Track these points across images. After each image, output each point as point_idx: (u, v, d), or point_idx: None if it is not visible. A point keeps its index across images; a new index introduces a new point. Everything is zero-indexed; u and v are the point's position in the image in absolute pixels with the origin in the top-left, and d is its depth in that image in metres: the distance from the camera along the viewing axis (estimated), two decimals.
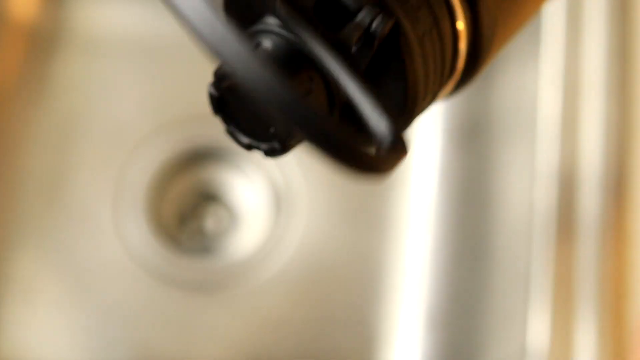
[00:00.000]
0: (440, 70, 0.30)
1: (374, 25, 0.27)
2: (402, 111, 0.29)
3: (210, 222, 0.68)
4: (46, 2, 0.69)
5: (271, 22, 0.27)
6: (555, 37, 0.56)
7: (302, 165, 0.67)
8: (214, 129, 0.68)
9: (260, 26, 0.28)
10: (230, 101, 0.29)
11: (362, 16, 0.27)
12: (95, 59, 0.69)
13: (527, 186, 0.56)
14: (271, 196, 0.67)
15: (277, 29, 0.27)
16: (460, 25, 0.30)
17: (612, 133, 0.54)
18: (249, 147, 0.29)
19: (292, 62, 0.27)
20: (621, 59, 0.55)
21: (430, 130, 0.69)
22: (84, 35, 0.69)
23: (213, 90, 0.29)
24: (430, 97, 0.31)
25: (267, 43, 0.27)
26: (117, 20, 0.70)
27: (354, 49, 0.28)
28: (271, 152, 0.29)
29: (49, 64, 0.68)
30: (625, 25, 0.56)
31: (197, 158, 0.68)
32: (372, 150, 0.26)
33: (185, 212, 0.68)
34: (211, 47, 0.22)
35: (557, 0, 0.56)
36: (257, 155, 0.68)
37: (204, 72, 0.71)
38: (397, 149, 0.26)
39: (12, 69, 0.67)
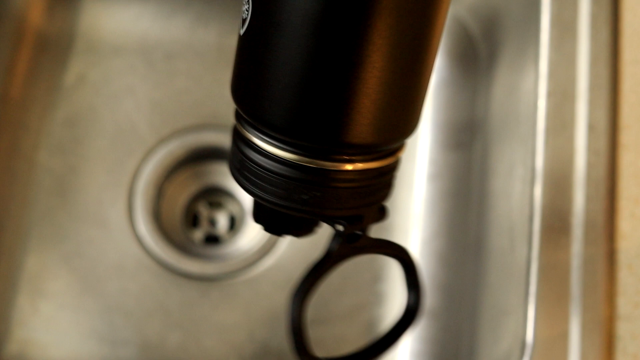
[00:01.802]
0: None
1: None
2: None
3: (214, 219, 0.69)
4: (56, 6, 0.69)
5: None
6: (554, 39, 0.56)
7: None
8: (222, 133, 0.68)
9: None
10: None
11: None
12: (106, 63, 0.69)
13: (524, 184, 0.56)
14: None
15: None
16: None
17: (609, 134, 0.54)
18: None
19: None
20: (616, 61, 0.55)
21: (427, 130, 0.69)
22: (95, 39, 0.69)
23: None
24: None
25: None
26: (127, 25, 0.70)
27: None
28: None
29: (59, 68, 0.68)
30: (619, 29, 0.56)
31: (203, 160, 0.69)
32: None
33: (192, 210, 0.69)
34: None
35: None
36: None
37: (213, 76, 0.72)
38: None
39: (24, 73, 0.67)
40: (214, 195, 0.69)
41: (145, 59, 0.69)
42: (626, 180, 0.53)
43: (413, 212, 0.67)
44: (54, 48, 0.69)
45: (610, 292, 0.51)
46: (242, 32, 0.35)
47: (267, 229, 0.42)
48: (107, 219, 0.66)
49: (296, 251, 0.66)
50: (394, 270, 0.66)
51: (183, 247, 0.66)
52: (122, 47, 0.69)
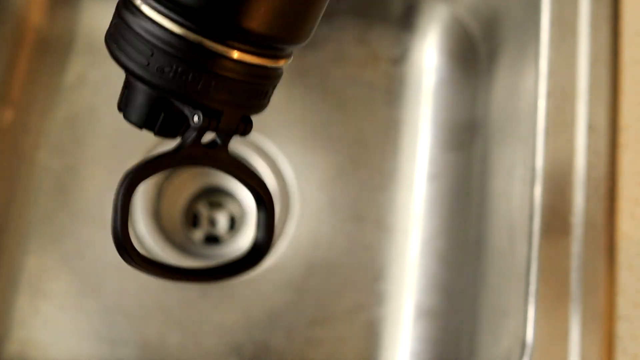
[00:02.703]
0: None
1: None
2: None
3: (214, 219, 0.69)
4: (56, 6, 0.69)
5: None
6: (554, 39, 0.56)
7: (296, 168, 0.67)
8: None
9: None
10: None
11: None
12: (106, 63, 0.69)
13: (524, 184, 0.56)
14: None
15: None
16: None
17: (609, 134, 0.54)
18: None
19: None
20: (616, 61, 0.55)
21: (427, 130, 0.69)
22: (95, 39, 0.70)
23: None
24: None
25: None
26: None
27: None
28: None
29: (59, 68, 0.69)
30: (619, 29, 0.56)
31: None
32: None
33: (192, 210, 0.69)
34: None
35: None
36: (257, 161, 0.68)
37: None
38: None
39: (24, 73, 0.67)
40: (214, 195, 0.69)
41: None
42: (626, 180, 0.53)
43: (413, 212, 0.67)
44: (54, 48, 0.69)
45: (610, 292, 0.51)
46: None
47: (128, 117, 0.39)
48: (107, 219, 0.65)
49: (296, 251, 0.66)
50: (394, 270, 0.66)
51: (183, 247, 0.66)
52: None
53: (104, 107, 0.68)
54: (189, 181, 0.69)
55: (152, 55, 0.35)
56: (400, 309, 0.65)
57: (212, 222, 0.69)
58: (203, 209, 0.69)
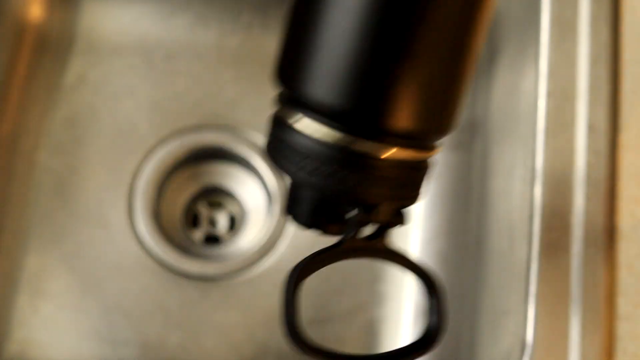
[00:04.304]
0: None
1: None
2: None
3: (214, 219, 0.69)
4: (56, 6, 0.69)
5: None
6: (554, 39, 0.56)
7: None
8: (222, 133, 0.68)
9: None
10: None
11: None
12: (106, 63, 0.69)
13: (524, 184, 0.56)
14: (268, 196, 0.67)
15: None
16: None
17: (609, 134, 0.54)
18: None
19: None
20: (616, 61, 0.55)
21: None
22: (95, 39, 0.70)
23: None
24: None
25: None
26: (127, 25, 0.70)
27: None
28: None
29: (59, 68, 0.69)
30: (619, 29, 0.56)
31: (203, 160, 0.69)
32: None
33: (192, 210, 0.69)
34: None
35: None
36: (257, 161, 0.69)
37: (213, 76, 0.72)
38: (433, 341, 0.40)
39: (24, 73, 0.67)
40: (214, 195, 0.69)
41: (145, 59, 0.69)
42: (626, 180, 0.53)
43: (413, 212, 0.67)
44: (54, 48, 0.69)
45: (610, 292, 0.51)
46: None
47: (296, 219, 0.41)
48: (107, 219, 0.66)
49: (296, 251, 0.66)
50: (394, 270, 0.66)
51: (183, 247, 0.66)
52: (122, 47, 0.69)
53: (104, 107, 0.68)
54: (189, 181, 0.69)
55: (306, 159, 0.36)
56: (399, 309, 0.65)
57: (212, 222, 0.69)
58: (203, 209, 0.69)
